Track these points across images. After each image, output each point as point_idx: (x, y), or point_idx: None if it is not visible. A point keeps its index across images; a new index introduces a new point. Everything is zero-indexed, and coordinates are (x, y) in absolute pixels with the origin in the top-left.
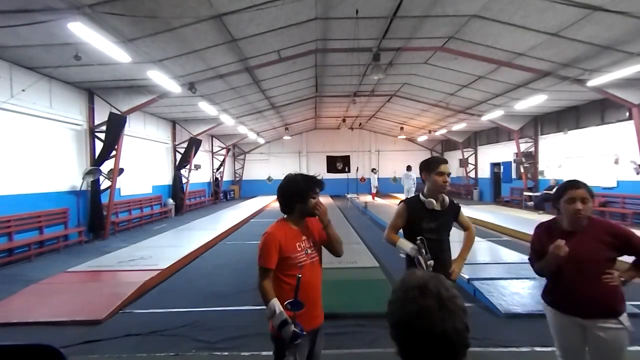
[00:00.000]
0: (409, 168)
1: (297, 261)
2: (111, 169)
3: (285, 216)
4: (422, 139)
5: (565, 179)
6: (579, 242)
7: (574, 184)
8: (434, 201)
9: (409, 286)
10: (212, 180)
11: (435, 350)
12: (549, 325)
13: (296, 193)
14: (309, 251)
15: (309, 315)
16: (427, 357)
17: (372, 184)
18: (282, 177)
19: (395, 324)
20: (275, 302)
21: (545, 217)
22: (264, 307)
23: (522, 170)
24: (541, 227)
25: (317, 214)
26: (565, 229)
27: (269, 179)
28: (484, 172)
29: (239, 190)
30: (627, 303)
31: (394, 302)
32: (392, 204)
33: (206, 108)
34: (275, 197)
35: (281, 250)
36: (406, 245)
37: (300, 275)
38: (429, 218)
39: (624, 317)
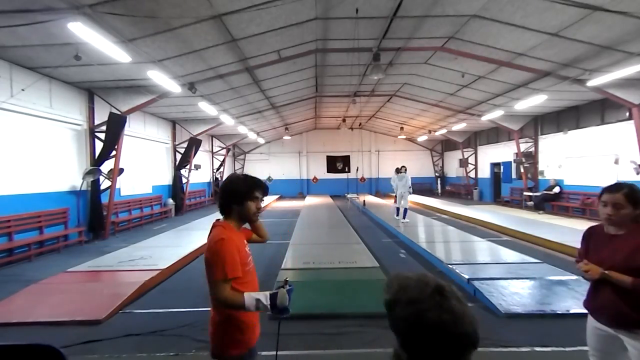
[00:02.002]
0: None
1: (249, 267)
2: (111, 169)
3: (222, 218)
4: (422, 139)
5: (565, 179)
6: (617, 248)
7: (611, 188)
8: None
9: (426, 287)
10: (212, 180)
11: (456, 349)
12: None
13: (233, 193)
14: (250, 257)
15: (257, 327)
16: (438, 353)
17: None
18: (283, 177)
19: (427, 327)
20: (249, 294)
21: (545, 217)
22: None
23: (522, 170)
24: (586, 231)
25: (255, 220)
26: (609, 233)
27: (269, 179)
28: (484, 172)
29: None
30: None
31: (414, 303)
32: (391, 204)
33: (206, 108)
34: (275, 197)
35: (239, 257)
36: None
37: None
38: None
39: None
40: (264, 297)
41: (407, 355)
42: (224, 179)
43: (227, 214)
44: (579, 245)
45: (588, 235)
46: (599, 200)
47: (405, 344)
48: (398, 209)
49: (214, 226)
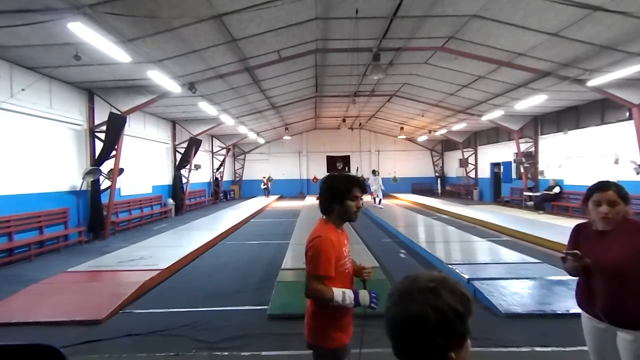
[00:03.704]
0: (374, 172)
1: (344, 268)
2: (111, 169)
3: (324, 217)
4: (422, 139)
5: (565, 179)
6: (610, 245)
7: (602, 186)
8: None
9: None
10: (212, 180)
11: (393, 337)
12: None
13: (334, 192)
14: (350, 257)
15: (350, 326)
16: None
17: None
18: (283, 177)
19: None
20: (337, 290)
21: (545, 217)
22: (266, 306)
23: (522, 170)
24: (574, 228)
25: (355, 219)
26: (598, 229)
27: (269, 179)
28: (484, 172)
29: (239, 190)
30: None
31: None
32: (391, 204)
33: (206, 108)
34: (275, 197)
35: (335, 255)
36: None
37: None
38: None
39: None
40: (349, 293)
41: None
42: (224, 179)
43: (329, 213)
44: None
45: (577, 232)
46: (589, 201)
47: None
48: (374, 199)
49: (318, 221)
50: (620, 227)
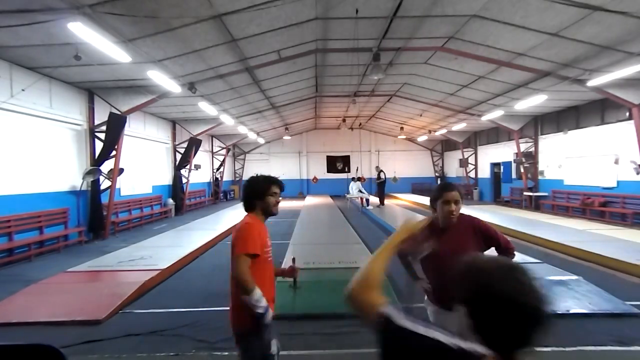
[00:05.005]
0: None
1: (267, 255)
2: (111, 169)
3: (248, 214)
4: (422, 139)
5: (565, 179)
6: (451, 238)
7: (449, 187)
8: None
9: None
10: (212, 180)
11: (520, 321)
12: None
13: (255, 191)
14: (270, 248)
15: (272, 305)
16: (503, 323)
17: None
18: (283, 177)
19: (493, 296)
20: (259, 291)
21: (546, 217)
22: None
23: (522, 170)
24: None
25: (275, 212)
26: (440, 227)
27: None
28: (484, 172)
29: (239, 190)
30: (628, 303)
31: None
32: (391, 204)
33: (206, 108)
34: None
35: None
36: None
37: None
38: None
39: None
40: (266, 304)
41: (474, 324)
42: (224, 179)
43: (251, 209)
44: (578, 245)
45: (428, 229)
46: (438, 200)
47: (474, 313)
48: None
49: (244, 218)
50: (457, 222)
